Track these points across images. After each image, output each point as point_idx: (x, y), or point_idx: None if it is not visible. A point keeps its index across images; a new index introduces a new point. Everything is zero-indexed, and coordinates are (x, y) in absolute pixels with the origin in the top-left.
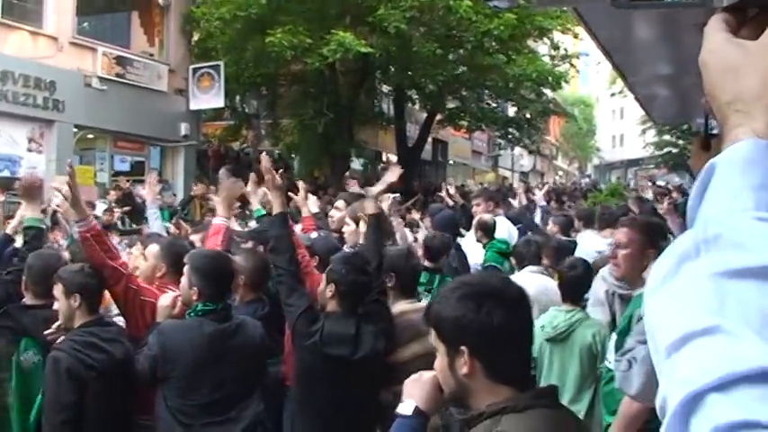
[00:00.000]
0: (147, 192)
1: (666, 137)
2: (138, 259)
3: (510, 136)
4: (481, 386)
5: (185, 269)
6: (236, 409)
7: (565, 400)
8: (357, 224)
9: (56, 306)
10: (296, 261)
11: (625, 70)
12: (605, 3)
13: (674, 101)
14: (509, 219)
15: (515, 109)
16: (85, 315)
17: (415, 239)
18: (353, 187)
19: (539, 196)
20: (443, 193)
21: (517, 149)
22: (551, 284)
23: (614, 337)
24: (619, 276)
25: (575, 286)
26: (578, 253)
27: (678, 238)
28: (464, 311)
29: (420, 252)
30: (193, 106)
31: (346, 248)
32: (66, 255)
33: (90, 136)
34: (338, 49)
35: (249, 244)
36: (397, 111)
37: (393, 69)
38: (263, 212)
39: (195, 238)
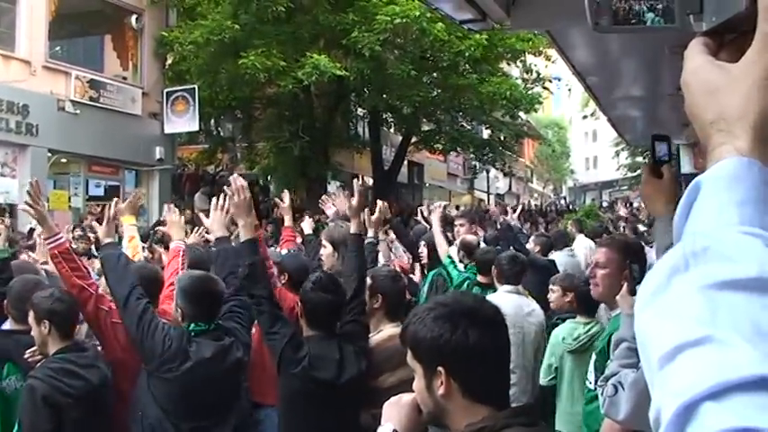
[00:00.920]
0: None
1: (639, 158)
2: None
3: (485, 157)
4: (458, 406)
5: (174, 291)
6: (217, 417)
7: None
8: (334, 247)
9: (32, 332)
10: (272, 287)
11: (597, 92)
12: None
13: (647, 122)
14: (486, 242)
15: (489, 132)
16: (58, 341)
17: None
18: (328, 207)
19: (513, 217)
20: (419, 216)
21: (493, 172)
22: (525, 304)
23: (594, 357)
24: (597, 297)
25: (590, 300)
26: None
27: (667, 253)
28: (440, 332)
29: None
30: (168, 130)
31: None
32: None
33: (64, 160)
34: (313, 71)
35: None
36: (373, 133)
37: (368, 92)
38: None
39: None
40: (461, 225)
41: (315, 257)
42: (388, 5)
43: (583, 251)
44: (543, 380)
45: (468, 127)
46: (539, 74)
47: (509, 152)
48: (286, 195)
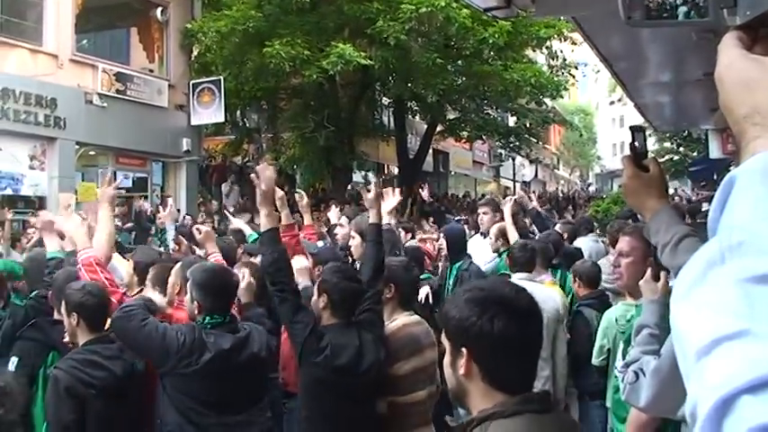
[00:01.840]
0: (166, 215)
1: (667, 144)
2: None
3: (511, 145)
4: (477, 389)
5: (188, 284)
6: (246, 414)
7: None
8: (363, 237)
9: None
10: (294, 276)
11: (624, 78)
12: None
13: (674, 108)
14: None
15: (515, 119)
16: (86, 333)
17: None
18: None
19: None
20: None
21: (518, 159)
22: (538, 291)
23: (621, 346)
24: (621, 286)
25: None
26: None
27: (704, 246)
28: (468, 314)
29: None
30: (194, 121)
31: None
32: None
33: (92, 153)
34: (338, 61)
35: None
36: (398, 122)
37: (393, 81)
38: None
39: None
40: (485, 213)
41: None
42: None
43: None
44: (596, 360)
45: (494, 114)
46: (564, 59)
47: (535, 139)
48: (304, 195)
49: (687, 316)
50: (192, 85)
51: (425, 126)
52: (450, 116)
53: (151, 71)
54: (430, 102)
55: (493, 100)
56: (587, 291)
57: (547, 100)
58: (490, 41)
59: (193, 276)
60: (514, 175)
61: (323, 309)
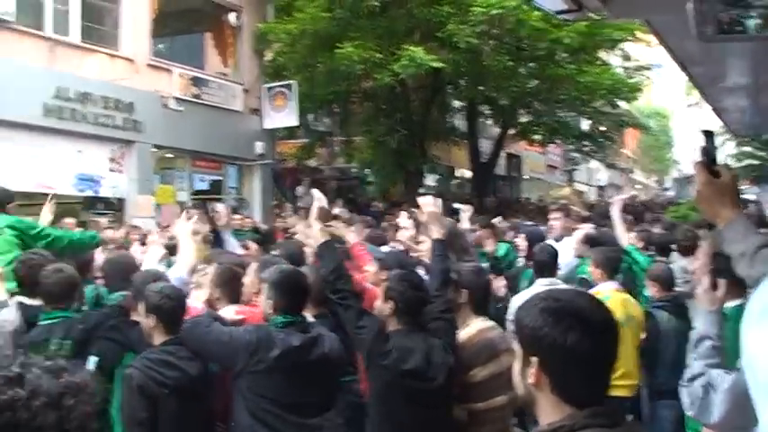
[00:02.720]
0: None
1: (746, 148)
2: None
3: (585, 149)
4: (546, 400)
5: (264, 284)
6: (319, 418)
7: None
8: None
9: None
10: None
11: (701, 82)
12: (678, 14)
13: (754, 112)
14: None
15: (589, 122)
16: (162, 334)
17: None
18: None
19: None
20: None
21: (593, 163)
22: None
23: None
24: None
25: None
26: None
27: None
28: (542, 324)
29: None
30: (267, 125)
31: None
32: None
33: (169, 155)
34: (409, 64)
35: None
36: (470, 126)
37: (464, 84)
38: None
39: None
40: (556, 219)
41: None
42: None
43: None
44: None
45: (567, 117)
46: (638, 61)
47: (610, 143)
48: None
49: (758, 342)
50: (266, 89)
51: (497, 129)
52: (523, 119)
53: (225, 75)
54: (502, 105)
55: (566, 103)
56: (662, 293)
57: (622, 103)
58: (565, 41)
59: (269, 276)
60: (589, 179)
61: (389, 315)
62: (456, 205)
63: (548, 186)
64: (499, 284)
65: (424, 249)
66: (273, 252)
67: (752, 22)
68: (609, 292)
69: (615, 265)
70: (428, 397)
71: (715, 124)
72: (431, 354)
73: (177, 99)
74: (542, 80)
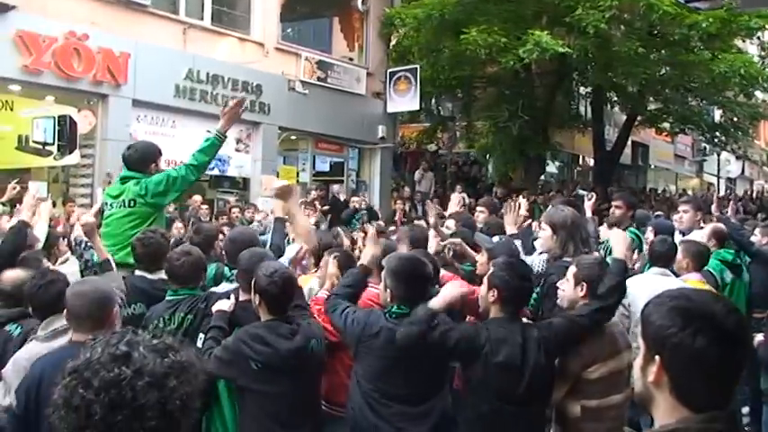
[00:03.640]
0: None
1: None
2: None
3: (716, 140)
4: (663, 399)
5: (383, 272)
6: (425, 406)
7: None
8: (554, 230)
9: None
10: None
11: None
12: None
13: None
14: None
15: (721, 112)
16: (266, 314)
17: None
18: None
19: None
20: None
21: (724, 154)
22: (674, 285)
23: None
24: None
25: None
26: None
27: None
28: (669, 323)
29: None
30: (390, 109)
31: (539, 253)
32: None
33: (293, 137)
34: (534, 48)
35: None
36: (595, 113)
37: (591, 70)
38: None
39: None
40: (686, 212)
41: None
42: None
43: None
44: None
45: (699, 106)
46: None
47: (742, 134)
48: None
49: None
50: (390, 73)
51: (624, 117)
52: (652, 107)
53: (351, 59)
54: (630, 92)
55: (698, 91)
56: None
57: (758, 93)
58: (703, 25)
59: (388, 264)
60: (719, 170)
61: (492, 303)
62: (580, 191)
63: (675, 177)
64: None
65: (543, 237)
66: (393, 237)
67: None
68: (692, 283)
69: (703, 259)
70: (519, 392)
71: None
72: (526, 347)
73: (303, 82)
74: (674, 66)
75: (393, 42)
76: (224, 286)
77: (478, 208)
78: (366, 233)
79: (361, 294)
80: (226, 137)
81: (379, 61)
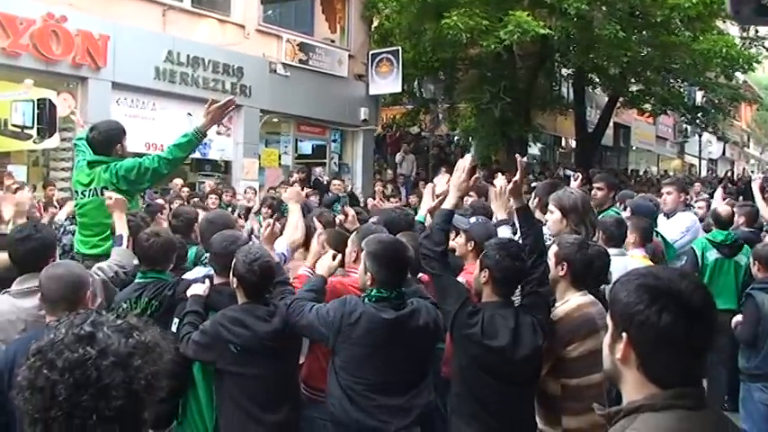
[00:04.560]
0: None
1: None
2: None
3: (697, 121)
4: (631, 377)
5: (362, 254)
6: (408, 396)
7: None
8: (563, 213)
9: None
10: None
11: None
12: None
13: None
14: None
15: (702, 93)
16: (243, 297)
17: None
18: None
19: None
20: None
21: (705, 136)
22: (631, 265)
23: None
24: None
25: None
26: None
27: None
28: (636, 301)
29: None
30: (372, 91)
31: (548, 236)
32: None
33: (275, 120)
34: (515, 30)
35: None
36: (577, 94)
37: (573, 52)
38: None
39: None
40: (669, 193)
41: None
42: None
43: None
44: None
45: (680, 88)
46: (757, 32)
47: (724, 115)
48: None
49: None
50: (372, 55)
51: (606, 99)
52: (633, 88)
53: (333, 41)
54: (612, 73)
55: (680, 72)
56: (765, 274)
57: (738, 74)
58: (685, 6)
59: (368, 247)
60: (700, 152)
61: (483, 284)
62: (567, 172)
63: (657, 158)
64: None
65: (551, 219)
66: (372, 219)
67: None
68: (636, 258)
69: (649, 235)
70: (512, 374)
71: None
72: (519, 331)
73: (285, 64)
74: (655, 48)
75: (375, 24)
76: (197, 270)
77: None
78: (347, 215)
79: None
80: (205, 135)
81: (361, 43)
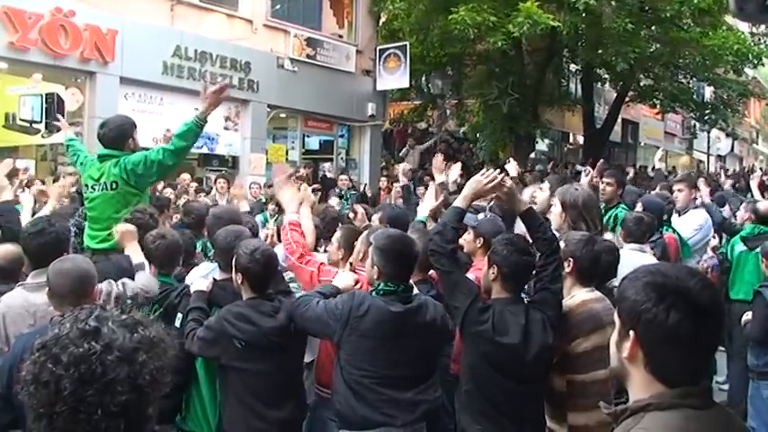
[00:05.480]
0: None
1: None
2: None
3: (706, 117)
4: (638, 375)
5: (370, 249)
6: (414, 392)
7: None
8: (564, 208)
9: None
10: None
11: None
12: None
13: None
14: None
15: (712, 89)
16: (249, 292)
17: None
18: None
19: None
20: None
21: (714, 132)
22: (646, 261)
23: None
24: None
25: None
26: None
27: None
28: (644, 299)
29: None
30: (380, 86)
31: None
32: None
33: (282, 115)
34: (525, 21)
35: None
36: (585, 90)
37: (582, 47)
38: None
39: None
40: (680, 190)
41: None
42: None
43: None
44: None
45: (689, 84)
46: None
47: (733, 111)
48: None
49: None
50: (379, 50)
51: (614, 95)
52: (642, 83)
53: (340, 36)
54: (620, 69)
55: (689, 68)
56: None
57: (747, 70)
58: (695, 0)
59: (376, 241)
60: (708, 148)
61: (493, 281)
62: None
63: (665, 154)
64: None
65: (554, 213)
66: (375, 216)
67: None
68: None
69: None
70: (522, 372)
71: None
72: (530, 328)
73: (292, 60)
74: (664, 44)
75: (383, 20)
76: (204, 266)
77: None
78: (356, 213)
79: None
80: (206, 122)
81: (369, 38)
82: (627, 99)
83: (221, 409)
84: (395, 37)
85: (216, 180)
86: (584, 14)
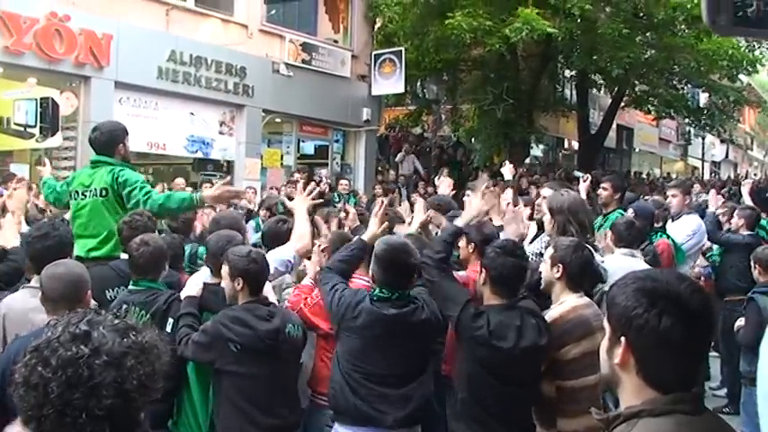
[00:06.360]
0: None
1: None
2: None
3: (701, 123)
4: (629, 381)
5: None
6: (406, 388)
7: None
8: (552, 215)
9: (222, 284)
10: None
11: None
12: None
13: None
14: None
15: (707, 95)
16: (247, 296)
17: None
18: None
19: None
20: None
21: (708, 138)
22: (637, 266)
23: None
24: None
25: None
26: None
27: None
28: (635, 305)
29: None
30: (375, 92)
31: (544, 237)
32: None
33: (277, 120)
34: (523, 27)
35: None
36: (580, 96)
37: (577, 53)
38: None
39: None
40: (674, 196)
41: None
42: None
43: None
44: None
45: (684, 90)
46: None
47: (727, 118)
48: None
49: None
50: (375, 55)
51: (609, 101)
52: (637, 89)
53: (336, 42)
54: (615, 75)
55: (684, 74)
56: (766, 278)
57: (742, 76)
58: (688, 6)
59: (375, 248)
60: (703, 154)
61: (482, 285)
62: (576, 173)
63: (660, 160)
64: None
65: (546, 220)
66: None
67: None
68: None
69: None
70: (514, 375)
71: None
72: (523, 330)
73: (287, 64)
74: (659, 49)
75: (378, 25)
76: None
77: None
78: (348, 213)
79: (354, 269)
80: (203, 205)
81: (364, 44)
82: (622, 105)
83: (214, 415)
84: (390, 42)
85: (201, 184)
86: (579, 20)
